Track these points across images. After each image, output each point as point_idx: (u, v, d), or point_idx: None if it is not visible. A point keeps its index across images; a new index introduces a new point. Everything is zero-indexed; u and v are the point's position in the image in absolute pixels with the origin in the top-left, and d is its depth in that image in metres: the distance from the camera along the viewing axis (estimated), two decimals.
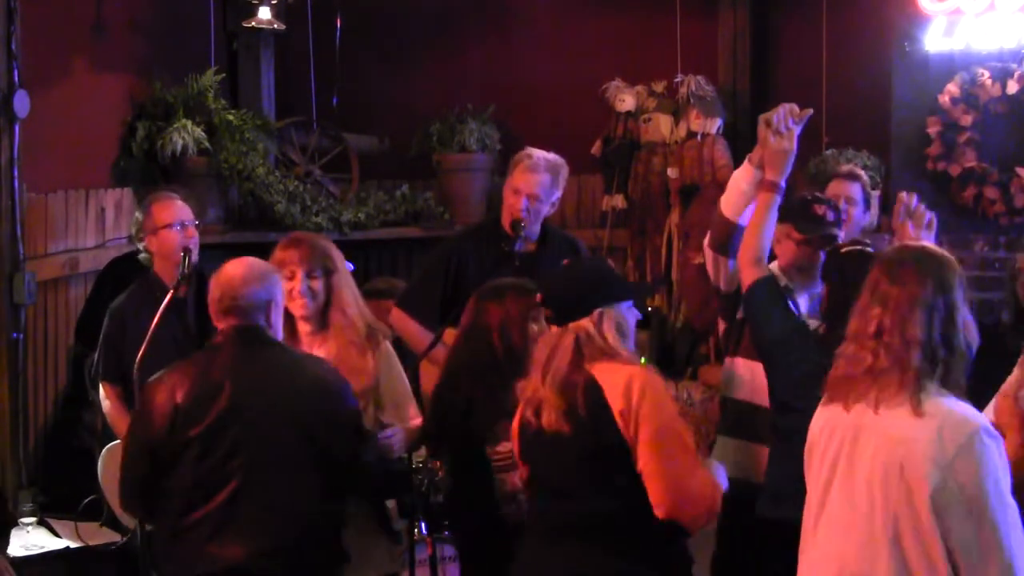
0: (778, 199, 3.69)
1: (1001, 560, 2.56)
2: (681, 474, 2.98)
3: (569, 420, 3.03)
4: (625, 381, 3.00)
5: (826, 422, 2.82)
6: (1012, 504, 2.60)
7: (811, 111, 3.75)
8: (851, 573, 2.70)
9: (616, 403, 2.99)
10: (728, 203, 3.83)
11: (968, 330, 2.69)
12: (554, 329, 3.15)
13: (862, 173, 4.78)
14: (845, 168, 4.87)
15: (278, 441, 3.21)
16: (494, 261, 4.48)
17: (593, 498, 3.04)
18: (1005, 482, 2.61)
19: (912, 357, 2.64)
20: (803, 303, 3.86)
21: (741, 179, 3.81)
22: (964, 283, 2.71)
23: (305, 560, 3.25)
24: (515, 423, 3.25)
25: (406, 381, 3.83)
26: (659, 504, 2.97)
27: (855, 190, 4.62)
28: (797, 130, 3.72)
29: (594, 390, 3.02)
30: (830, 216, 3.85)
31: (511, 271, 4.42)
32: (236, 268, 3.36)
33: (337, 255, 3.80)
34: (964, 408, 2.65)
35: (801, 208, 3.85)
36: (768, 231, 3.70)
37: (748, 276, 3.67)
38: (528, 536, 3.22)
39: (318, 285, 3.71)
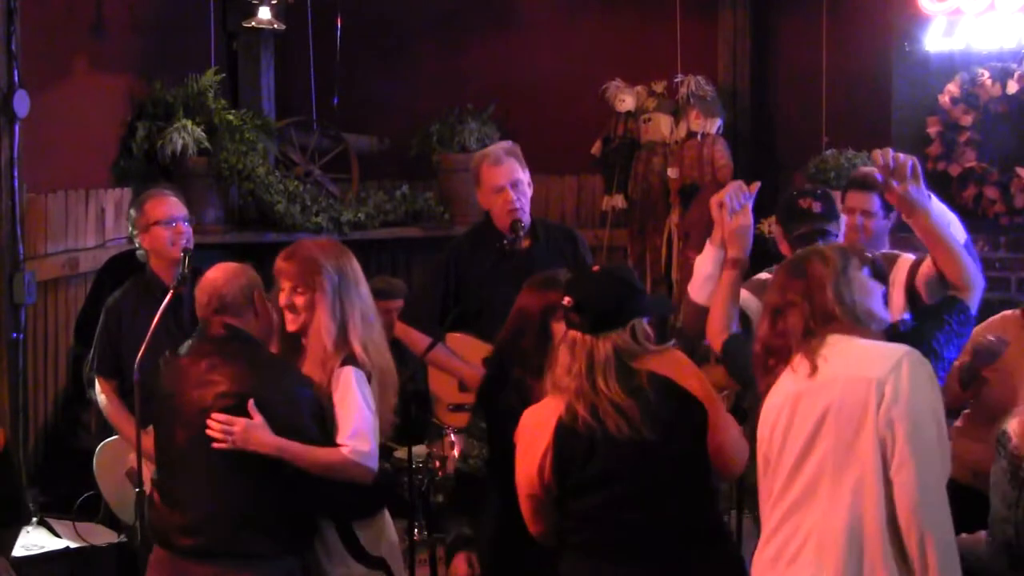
0: (741, 275, 3.68)
1: (930, 473, 2.72)
2: (737, 433, 3.15)
3: (649, 422, 2.99)
4: (682, 366, 3.10)
5: (768, 404, 2.97)
6: (943, 424, 2.80)
7: (759, 184, 3.73)
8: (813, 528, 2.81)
9: (694, 388, 3.07)
10: (695, 288, 3.84)
11: (863, 289, 2.96)
12: (576, 335, 3.07)
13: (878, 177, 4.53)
14: (858, 175, 4.51)
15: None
16: (492, 261, 4.50)
17: (676, 501, 3.04)
18: (937, 402, 2.81)
19: (828, 318, 2.90)
20: None
21: (705, 262, 3.80)
22: (856, 256, 3.01)
23: (226, 542, 3.43)
24: (547, 449, 3.06)
25: (355, 407, 3.49)
26: (735, 465, 3.15)
27: (870, 201, 4.28)
28: (750, 203, 3.70)
29: (666, 383, 3.03)
30: (816, 208, 3.80)
31: (511, 269, 4.43)
32: (216, 272, 3.61)
33: (331, 272, 3.57)
34: (887, 344, 2.91)
35: (787, 206, 3.83)
36: (734, 306, 3.67)
37: (718, 342, 3.64)
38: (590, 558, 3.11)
39: (301, 301, 3.58)
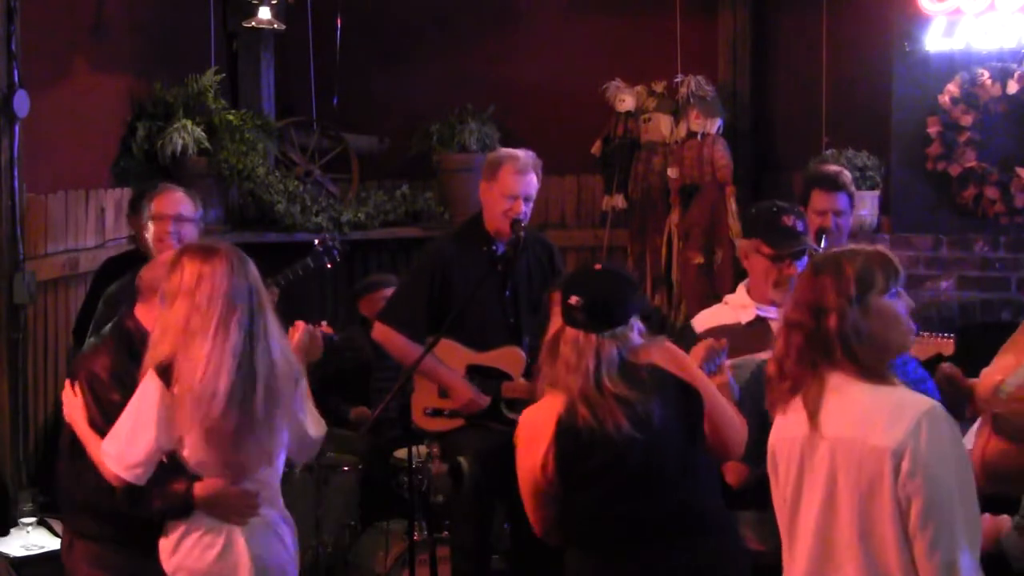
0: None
1: (952, 535, 2.52)
2: (733, 414, 3.23)
3: (650, 416, 3.05)
4: (676, 356, 3.19)
5: (779, 433, 2.80)
6: (970, 490, 2.57)
7: (726, 341, 3.60)
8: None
9: (689, 376, 3.16)
10: None
11: (882, 318, 2.65)
12: (580, 334, 3.10)
13: (844, 178, 4.52)
14: (824, 175, 4.56)
15: None
16: (477, 265, 4.46)
17: (675, 493, 3.10)
18: (963, 468, 2.57)
19: (799, 368, 2.67)
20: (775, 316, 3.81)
21: None
22: (865, 278, 2.66)
23: (68, 519, 3.63)
24: (548, 448, 3.12)
25: (126, 411, 3.28)
26: (734, 446, 3.23)
27: (840, 200, 4.44)
28: (724, 360, 3.58)
29: (665, 374, 3.11)
30: (799, 227, 3.81)
31: (496, 275, 4.42)
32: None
33: (175, 275, 3.27)
34: (902, 395, 2.64)
35: (769, 220, 3.80)
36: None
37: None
38: (597, 549, 3.15)
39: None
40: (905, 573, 2.57)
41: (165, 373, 3.22)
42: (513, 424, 4.38)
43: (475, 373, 4.53)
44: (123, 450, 3.24)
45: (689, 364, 3.22)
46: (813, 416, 2.66)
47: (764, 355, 3.65)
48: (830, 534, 2.66)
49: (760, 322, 3.83)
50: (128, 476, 3.23)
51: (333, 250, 5.18)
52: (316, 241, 5.20)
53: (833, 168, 4.75)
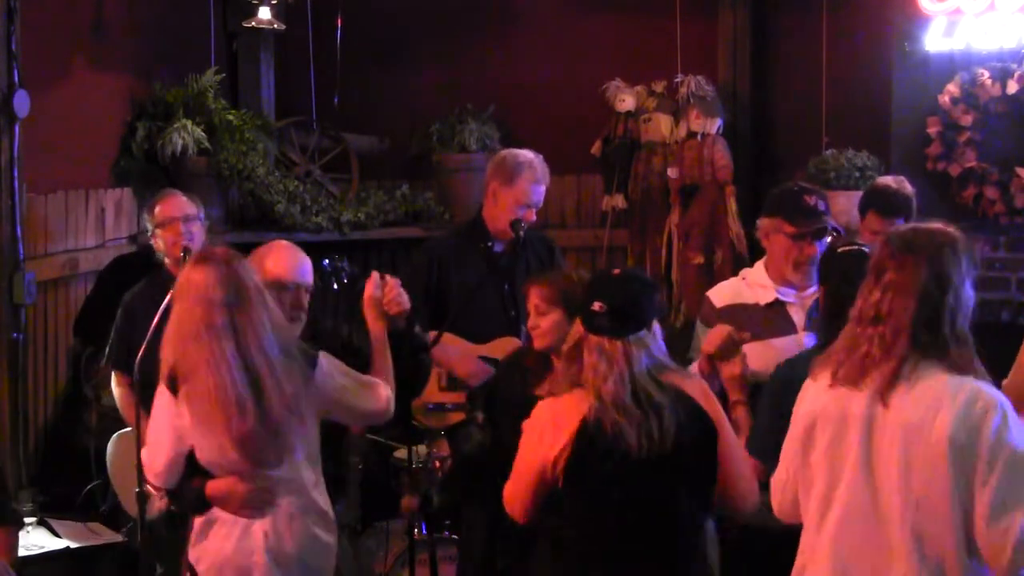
0: (749, 408, 3.62)
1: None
2: (750, 469, 3.19)
3: (670, 441, 3.01)
4: (702, 392, 3.14)
5: (830, 406, 2.76)
6: None
7: (748, 335, 3.64)
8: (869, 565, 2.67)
9: (713, 414, 3.12)
10: None
11: (967, 310, 2.69)
12: (604, 340, 3.08)
13: (902, 199, 4.43)
14: (884, 197, 4.45)
15: None
16: (474, 262, 4.48)
17: (665, 517, 3.07)
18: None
19: (909, 344, 2.64)
20: (797, 315, 3.82)
21: None
22: (967, 259, 2.71)
23: None
24: (565, 446, 3.08)
25: (150, 427, 3.49)
26: (744, 499, 3.16)
27: (895, 225, 4.20)
28: (740, 350, 3.65)
29: (692, 405, 3.08)
30: (821, 206, 3.80)
31: (497, 272, 4.43)
32: None
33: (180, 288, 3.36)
34: (983, 386, 2.62)
35: (791, 200, 3.80)
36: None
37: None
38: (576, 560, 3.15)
39: None
40: (963, 572, 2.56)
41: (172, 383, 3.33)
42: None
43: None
44: (149, 459, 3.45)
45: (715, 403, 3.17)
46: (885, 394, 2.65)
47: (777, 342, 3.72)
48: (880, 516, 2.64)
49: (779, 305, 3.84)
50: (157, 482, 3.44)
51: (342, 273, 5.17)
52: (326, 261, 5.19)
53: (893, 186, 4.62)
